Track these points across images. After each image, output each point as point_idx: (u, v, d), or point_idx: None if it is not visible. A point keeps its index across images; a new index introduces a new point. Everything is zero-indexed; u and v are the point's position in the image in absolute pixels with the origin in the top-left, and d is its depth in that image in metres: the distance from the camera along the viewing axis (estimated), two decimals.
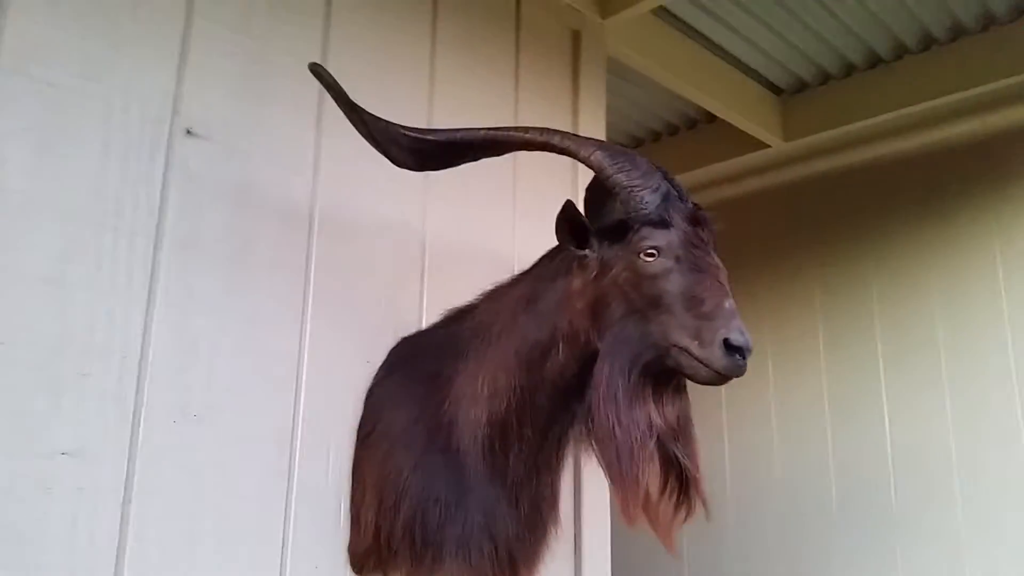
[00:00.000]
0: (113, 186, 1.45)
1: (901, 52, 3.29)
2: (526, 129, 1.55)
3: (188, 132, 1.57)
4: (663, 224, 1.43)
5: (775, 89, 3.61)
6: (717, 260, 1.44)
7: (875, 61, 3.36)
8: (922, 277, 3.47)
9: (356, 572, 1.66)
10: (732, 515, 3.86)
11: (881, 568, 3.37)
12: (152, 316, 1.46)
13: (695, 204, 1.50)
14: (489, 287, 1.74)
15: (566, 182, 2.37)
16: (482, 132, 1.54)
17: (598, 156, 1.49)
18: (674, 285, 1.40)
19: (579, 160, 1.52)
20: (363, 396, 1.74)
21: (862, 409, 3.56)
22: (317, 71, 1.39)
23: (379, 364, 1.78)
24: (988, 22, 3.10)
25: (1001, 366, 3.18)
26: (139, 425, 1.41)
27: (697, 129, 3.90)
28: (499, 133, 1.54)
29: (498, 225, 2.14)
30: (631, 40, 2.86)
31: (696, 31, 3.14)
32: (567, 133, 1.55)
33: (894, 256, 3.57)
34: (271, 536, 1.55)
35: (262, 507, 1.55)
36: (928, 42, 3.22)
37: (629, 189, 1.45)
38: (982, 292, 3.28)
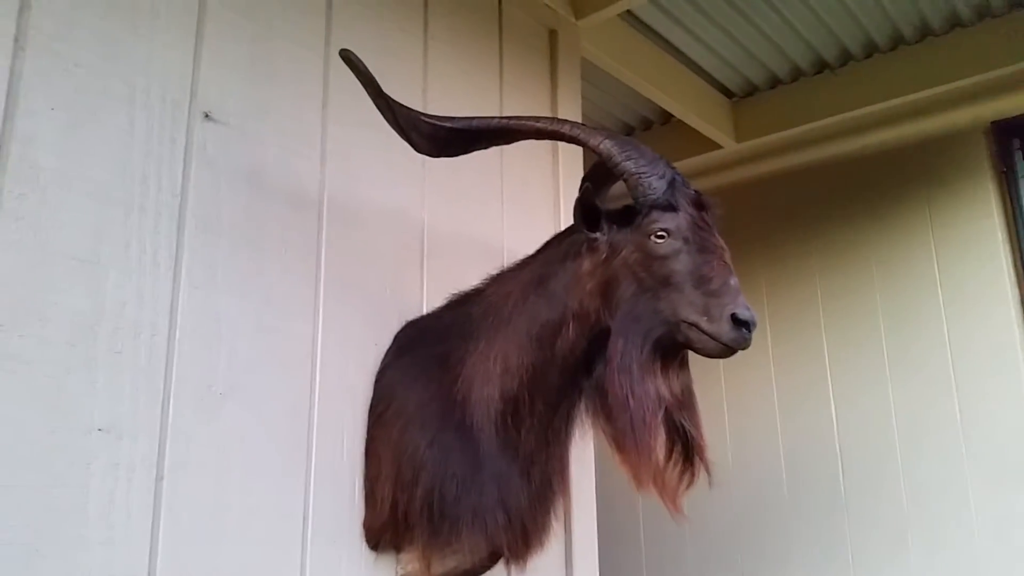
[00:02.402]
0: (139, 166, 1.47)
1: (846, 59, 3.49)
2: (537, 119, 1.64)
3: (206, 116, 1.59)
4: (671, 208, 1.53)
5: (727, 92, 3.78)
6: (721, 241, 1.55)
7: (821, 67, 3.56)
8: (864, 272, 3.68)
9: (371, 547, 1.70)
10: (687, 505, 4.01)
11: (832, 551, 3.55)
12: (178, 295, 1.48)
13: (697, 190, 1.60)
14: (494, 271, 1.81)
15: (547, 174, 2.46)
16: (496, 120, 1.62)
17: (607, 144, 1.58)
18: (683, 265, 1.50)
19: (588, 148, 1.61)
20: (373, 377, 1.78)
21: (810, 401, 3.75)
22: (349, 58, 1.44)
23: (386, 347, 1.83)
24: (925, 32, 3.33)
25: (939, 356, 3.40)
26: (169, 402, 1.43)
27: (652, 130, 4.05)
28: (512, 121, 1.62)
29: (488, 213, 2.21)
30: (600, 42, 2.97)
31: (658, 35, 3.27)
32: (576, 123, 1.64)
33: (837, 252, 3.77)
34: (292, 511, 1.59)
35: (283, 483, 1.58)
36: (871, 50, 3.44)
37: (637, 175, 1.54)
38: (920, 287, 3.50)
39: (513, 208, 2.28)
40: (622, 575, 4.09)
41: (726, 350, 1.46)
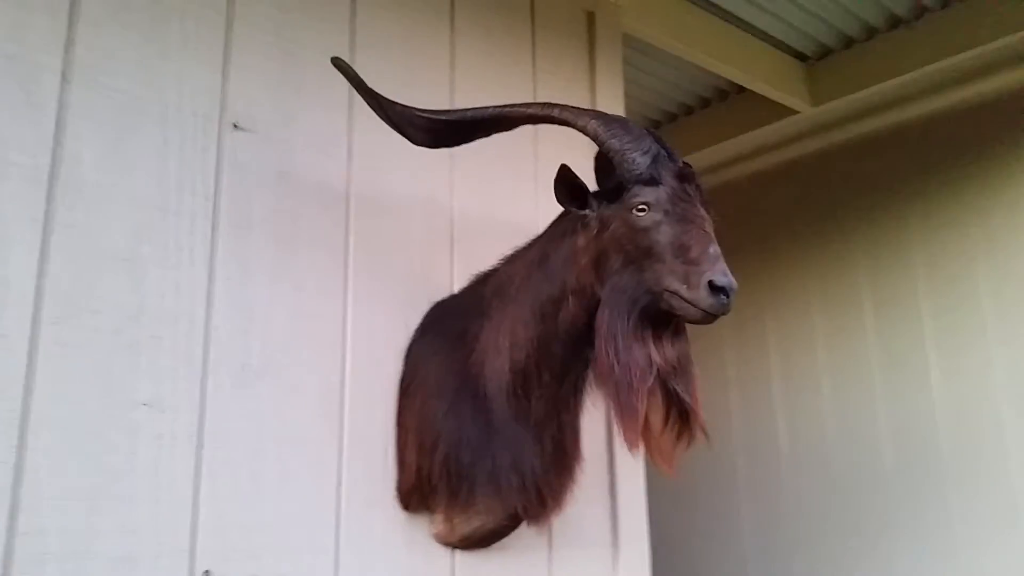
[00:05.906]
0: (174, 176, 1.68)
1: (920, 11, 3.33)
2: (528, 104, 1.73)
3: (235, 126, 1.79)
4: (652, 182, 1.59)
5: (800, 56, 3.68)
6: (703, 211, 1.59)
7: (896, 22, 3.40)
8: (965, 235, 3.49)
9: (405, 508, 1.87)
10: (784, 474, 3.98)
11: (938, 522, 3.43)
12: (213, 287, 1.69)
13: (684, 162, 1.65)
14: (508, 252, 1.92)
15: (587, 156, 2.52)
16: (488, 109, 1.72)
17: (593, 124, 1.66)
18: (663, 236, 1.56)
19: (576, 129, 1.69)
20: (403, 354, 1.94)
21: (909, 370, 3.62)
22: (338, 63, 1.60)
23: (415, 326, 1.98)
24: None
25: None
26: (207, 380, 1.64)
27: (728, 101, 4.00)
28: (503, 109, 1.72)
29: (521, 197, 2.32)
30: (648, 17, 2.99)
31: (712, 4, 3.24)
32: (565, 106, 1.72)
33: (935, 215, 3.60)
34: (326, 476, 1.77)
35: (316, 451, 1.77)
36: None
37: (621, 152, 1.61)
38: None
39: (548, 190, 2.36)
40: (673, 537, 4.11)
41: (706, 316, 1.51)
